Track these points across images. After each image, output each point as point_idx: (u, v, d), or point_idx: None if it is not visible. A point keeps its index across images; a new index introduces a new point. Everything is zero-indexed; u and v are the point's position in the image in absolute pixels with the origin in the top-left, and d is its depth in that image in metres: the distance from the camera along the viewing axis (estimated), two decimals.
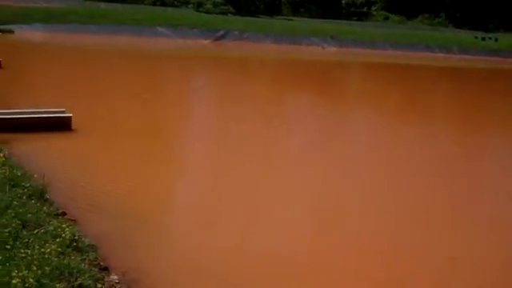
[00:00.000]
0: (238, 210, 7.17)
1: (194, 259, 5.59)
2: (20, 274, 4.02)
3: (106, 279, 4.64)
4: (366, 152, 10.72)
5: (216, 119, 12.71)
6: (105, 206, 6.56)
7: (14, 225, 4.88)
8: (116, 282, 4.71)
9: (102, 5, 43.46)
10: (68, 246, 4.81)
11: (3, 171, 6.31)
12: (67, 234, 4.97)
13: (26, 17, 26.97)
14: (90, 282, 4.36)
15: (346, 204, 7.75)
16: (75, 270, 4.38)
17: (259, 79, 19.74)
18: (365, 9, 57.66)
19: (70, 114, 9.74)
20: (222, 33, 30.48)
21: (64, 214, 5.87)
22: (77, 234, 5.09)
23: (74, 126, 9.65)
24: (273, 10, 53.90)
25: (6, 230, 4.72)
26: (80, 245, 4.97)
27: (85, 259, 4.75)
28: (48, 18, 27.57)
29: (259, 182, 8.36)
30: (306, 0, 55.93)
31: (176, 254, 5.66)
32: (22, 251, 4.43)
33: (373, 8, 57.57)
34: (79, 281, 4.30)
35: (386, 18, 55.15)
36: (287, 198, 7.64)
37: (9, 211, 5.16)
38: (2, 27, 24.53)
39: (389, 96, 19.32)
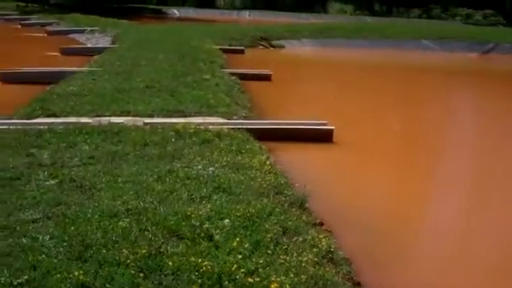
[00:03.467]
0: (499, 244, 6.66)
1: None
2: (278, 279, 4.23)
3: None
4: None
5: (481, 147, 11.79)
6: (361, 220, 6.60)
7: (275, 231, 5.16)
8: None
9: (368, 19, 44.31)
10: (323, 257, 4.92)
11: (269, 178, 6.72)
12: (323, 244, 5.09)
13: (296, 32, 28.59)
14: None
15: None
16: (329, 282, 4.46)
17: None
18: None
19: (332, 127, 10.03)
20: (491, 46, 28.75)
21: (321, 224, 6.05)
22: (332, 246, 5.19)
23: (334, 138, 9.92)
24: None
25: (268, 236, 5.01)
26: (335, 257, 5.05)
27: (338, 272, 4.81)
28: (315, 33, 28.86)
29: None
30: None
31: (430, 279, 5.45)
32: (282, 257, 4.66)
33: None
34: None
35: None
36: None
37: (271, 217, 5.48)
38: (275, 43, 26.29)
39: None
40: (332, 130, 10.00)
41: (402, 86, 18.29)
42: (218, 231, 5.01)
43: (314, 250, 4.96)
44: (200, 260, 4.38)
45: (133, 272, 4.18)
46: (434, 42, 28.51)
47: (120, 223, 5.02)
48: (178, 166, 6.88)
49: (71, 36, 27.81)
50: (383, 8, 54.65)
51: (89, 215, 5.19)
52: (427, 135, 12.08)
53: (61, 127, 8.51)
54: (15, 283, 3.99)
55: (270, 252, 4.72)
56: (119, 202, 5.54)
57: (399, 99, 15.88)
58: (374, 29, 31.46)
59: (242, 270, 4.28)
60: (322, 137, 9.89)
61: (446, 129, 12.96)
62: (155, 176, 6.42)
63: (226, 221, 5.26)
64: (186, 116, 9.91)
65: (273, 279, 4.21)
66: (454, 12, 51.44)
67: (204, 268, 4.26)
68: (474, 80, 21.67)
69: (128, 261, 4.33)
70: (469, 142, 11.87)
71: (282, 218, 5.54)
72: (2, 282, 4.00)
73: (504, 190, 8.43)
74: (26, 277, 4.06)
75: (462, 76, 22.59)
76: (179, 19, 44.88)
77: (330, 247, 5.12)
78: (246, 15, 50.40)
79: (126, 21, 32.95)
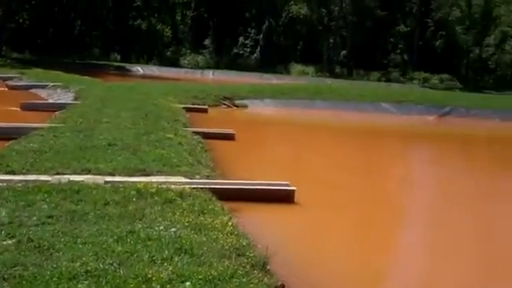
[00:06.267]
0: None
1: None
2: None
3: None
4: None
5: (441, 210, 11.95)
6: (322, 282, 6.62)
7: None
8: None
9: (329, 81, 45.34)
10: None
11: (231, 240, 6.68)
12: None
13: (259, 92, 28.98)
14: None
15: None
16: None
17: (485, 164, 18.58)
18: None
19: (294, 188, 10.10)
20: (447, 109, 29.63)
21: (283, 286, 6.02)
22: None
23: (296, 199, 9.97)
24: (503, 86, 51.50)
25: None
26: None
27: None
28: (278, 93, 29.31)
29: None
30: None
31: None
32: None
33: None
34: None
35: None
36: None
37: (233, 280, 5.45)
38: (238, 102, 26.58)
39: None
40: (293, 190, 10.06)
41: (362, 149, 18.62)
42: None
43: None
44: None
45: None
46: (392, 105, 29.19)
47: (79, 286, 4.92)
48: (139, 226, 6.80)
49: (33, 91, 27.54)
50: (344, 70, 56.07)
51: (47, 277, 5.07)
52: (388, 197, 12.26)
53: (19, 185, 8.36)
54: None
55: None
56: (78, 264, 5.43)
57: (360, 161, 16.13)
58: (335, 91, 32.13)
59: None
60: (284, 197, 9.93)
61: (407, 191, 13.22)
62: (115, 237, 6.33)
63: (188, 284, 5.21)
64: (148, 175, 9.86)
65: None
66: (412, 76, 53.12)
67: None
68: (430, 143, 22.25)
69: None
70: (426, 203, 12.09)
71: (244, 280, 5.51)
72: None
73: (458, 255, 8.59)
74: None
75: (419, 139, 23.17)
76: (143, 77, 45.09)
77: None
78: (210, 75, 50.98)
79: (88, 77, 32.91)
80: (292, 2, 58.87)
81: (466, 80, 53.40)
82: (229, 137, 16.47)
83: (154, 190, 8.44)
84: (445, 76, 52.50)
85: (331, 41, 58.14)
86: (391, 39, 56.41)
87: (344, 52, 57.11)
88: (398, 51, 56.37)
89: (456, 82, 52.30)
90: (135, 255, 5.81)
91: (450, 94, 38.41)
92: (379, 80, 51.89)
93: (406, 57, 56.26)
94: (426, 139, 23.34)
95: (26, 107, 20.42)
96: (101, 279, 5.11)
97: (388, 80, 51.81)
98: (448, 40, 55.18)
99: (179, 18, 66.36)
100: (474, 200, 12.32)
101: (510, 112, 29.95)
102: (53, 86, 28.04)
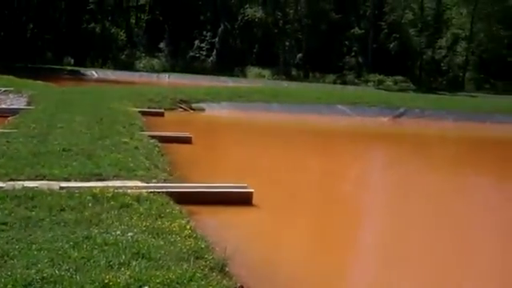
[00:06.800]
0: None
1: None
2: None
3: None
4: None
5: (399, 208, 12.15)
6: (280, 282, 6.66)
7: None
8: None
9: (285, 84, 45.59)
10: None
11: (189, 243, 6.67)
12: None
13: (216, 95, 28.94)
14: None
15: None
16: None
17: (438, 162, 18.97)
18: None
19: (252, 190, 10.14)
20: (401, 110, 30.15)
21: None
22: None
23: (254, 201, 10.01)
24: (455, 87, 52.72)
25: None
26: None
27: None
28: (235, 96, 29.33)
29: None
30: (492, 76, 54.03)
31: None
32: None
33: None
34: None
35: None
36: None
37: (192, 283, 5.44)
38: (195, 105, 26.48)
39: None
40: (251, 192, 10.10)
41: (318, 150, 18.79)
42: None
43: None
44: None
45: None
46: (348, 107, 29.55)
47: None
48: (96, 231, 6.73)
49: None
50: (300, 73, 56.47)
51: (1, 285, 4.97)
52: (345, 196, 12.41)
53: None
54: None
55: None
56: (34, 271, 5.34)
57: (317, 163, 16.27)
58: (291, 94, 32.33)
59: None
60: (242, 200, 9.96)
61: (362, 190, 13.42)
62: (71, 242, 6.25)
63: None
64: (104, 180, 9.75)
65: None
66: (367, 78, 53.86)
67: None
68: (384, 143, 22.61)
69: None
70: (381, 201, 12.30)
71: (203, 283, 5.51)
72: None
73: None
74: None
75: (373, 139, 23.51)
76: (98, 81, 44.55)
77: None
78: (166, 78, 50.71)
79: (42, 82, 32.27)
80: (247, 5, 58.99)
81: (420, 81, 54.46)
82: (186, 140, 16.41)
83: (110, 195, 8.36)
84: (399, 78, 53.39)
85: (287, 44, 58.52)
86: (346, 42, 57.11)
87: (300, 55, 57.57)
88: (353, 54, 57.11)
89: (410, 84, 53.26)
90: (92, 261, 5.75)
91: (404, 95, 39.03)
92: (335, 82, 52.46)
93: (360, 59, 57.03)
94: (380, 139, 23.69)
95: None
96: (57, 286, 5.05)
97: (343, 82, 52.42)
98: (401, 42, 56.21)
99: (134, 22, 65.80)
100: (429, 198, 12.57)
101: (462, 112, 30.67)
102: (5, 91, 27.37)
